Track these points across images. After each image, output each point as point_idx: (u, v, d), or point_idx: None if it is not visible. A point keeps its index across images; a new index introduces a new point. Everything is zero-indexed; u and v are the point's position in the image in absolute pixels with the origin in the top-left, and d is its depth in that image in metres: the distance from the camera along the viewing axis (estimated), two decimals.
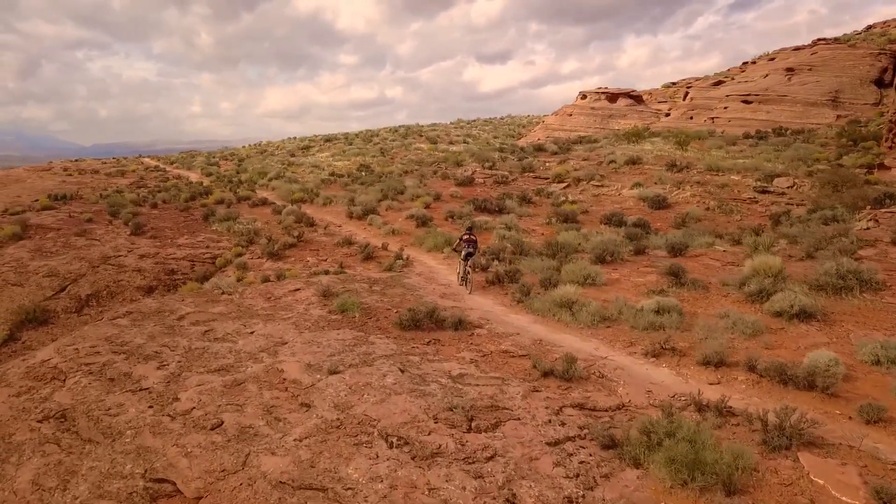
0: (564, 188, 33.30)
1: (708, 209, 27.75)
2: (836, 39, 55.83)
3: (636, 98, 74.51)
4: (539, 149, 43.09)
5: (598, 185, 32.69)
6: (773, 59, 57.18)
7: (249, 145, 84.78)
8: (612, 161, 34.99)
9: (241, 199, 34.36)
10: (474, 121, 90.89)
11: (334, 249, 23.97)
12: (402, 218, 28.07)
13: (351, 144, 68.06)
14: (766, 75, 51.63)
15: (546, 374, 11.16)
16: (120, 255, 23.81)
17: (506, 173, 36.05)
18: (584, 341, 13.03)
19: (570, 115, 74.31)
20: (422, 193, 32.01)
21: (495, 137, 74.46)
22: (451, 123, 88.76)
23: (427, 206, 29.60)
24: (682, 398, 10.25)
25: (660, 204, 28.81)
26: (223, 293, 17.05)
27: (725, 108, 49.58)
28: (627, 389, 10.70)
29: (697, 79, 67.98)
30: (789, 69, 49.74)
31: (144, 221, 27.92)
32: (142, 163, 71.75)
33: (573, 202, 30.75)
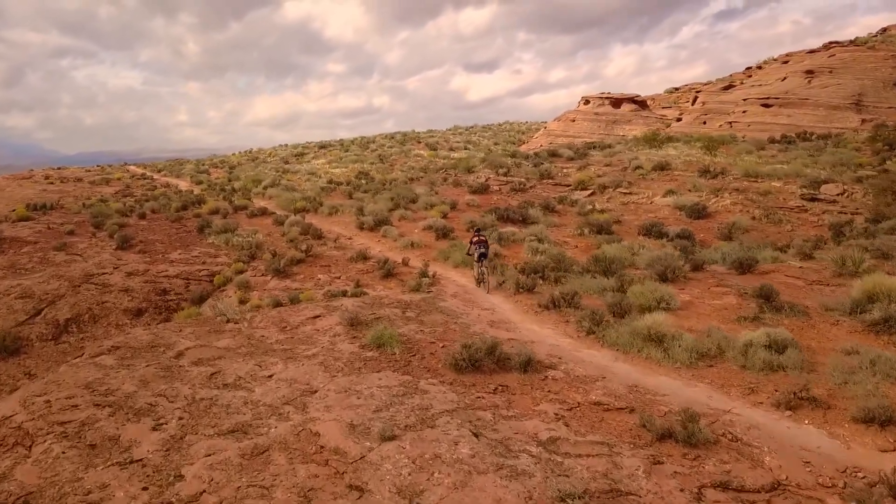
0: (589, 196, 30.85)
1: (754, 218, 25.35)
2: (851, 42, 54.00)
3: (640, 103, 72.46)
4: (553, 154, 40.66)
5: (625, 193, 30.25)
6: (786, 62, 55.24)
7: (240, 152, 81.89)
8: (638, 167, 32.59)
9: (237, 209, 31.59)
10: (472, 127, 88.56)
11: (348, 265, 21.30)
12: (419, 229, 25.46)
13: (347, 151, 65.44)
14: (784, 78, 49.61)
15: (662, 436, 8.60)
16: (104, 273, 21.00)
17: (522, 180, 33.56)
18: (689, 387, 10.45)
19: (574, 120, 72.10)
20: (436, 202, 29.42)
21: (496, 144, 72.10)
22: (449, 130, 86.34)
23: (444, 216, 27.01)
24: (861, 475, 7.70)
25: (699, 213, 26.39)
26: (228, 321, 14.35)
27: (744, 112, 47.47)
28: (777, 459, 8.14)
29: (706, 83, 66.07)
30: (809, 72, 47.73)
31: (132, 234, 25.11)
32: (127, 170, 68.71)
33: (601, 211, 28.28)
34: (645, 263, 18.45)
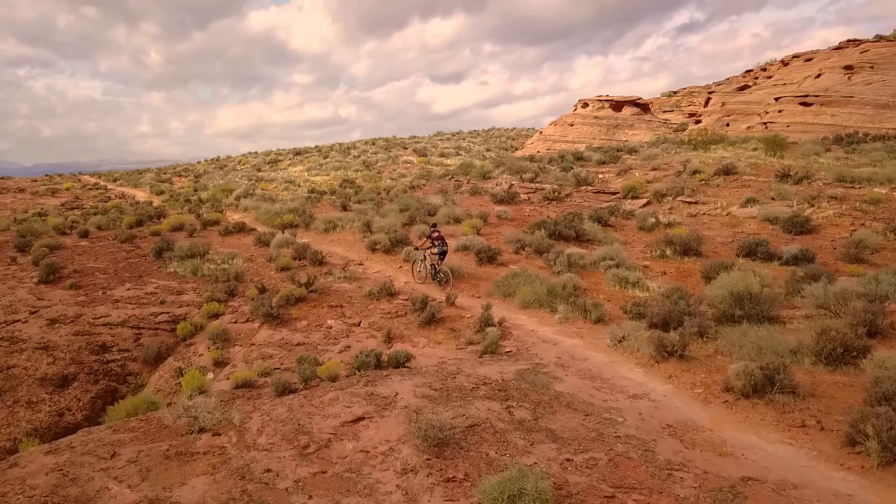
0: (645, 206, 25.16)
1: (876, 233, 19.87)
2: (881, 37, 49.66)
3: (642, 106, 67.54)
4: (578, 157, 34.99)
5: (690, 202, 24.65)
6: (810, 60, 50.74)
7: (206, 160, 74.78)
8: (696, 171, 27.02)
9: (207, 225, 25.11)
10: (458, 133, 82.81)
11: (367, 304, 15.16)
12: (451, 250, 19.41)
13: (327, 158, 59.02)
14: (819, 75, 44.91)
15: None
16: (16, 321, 14.52)
17: (555, 187, 27.75)
18: None
19: (572, 124, 66.81)
20: (461, 215, 23.40)
21: (488, 150, 66.43)
22: (434, 136, 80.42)
23: (478, 232, 21.02)
24: None
25: (800, 227, 20.85)
26: (201, 429, 8.13)
27: (780, 111, 42.52)
28: None
29: (719, 83, 61.43)
30: (848, 67, 43.09)
31: (64, 260, 18.58)
32: (79, 180, 61.33)
33: (669, 225, 22.59)
34: (816, 302, 12.72)
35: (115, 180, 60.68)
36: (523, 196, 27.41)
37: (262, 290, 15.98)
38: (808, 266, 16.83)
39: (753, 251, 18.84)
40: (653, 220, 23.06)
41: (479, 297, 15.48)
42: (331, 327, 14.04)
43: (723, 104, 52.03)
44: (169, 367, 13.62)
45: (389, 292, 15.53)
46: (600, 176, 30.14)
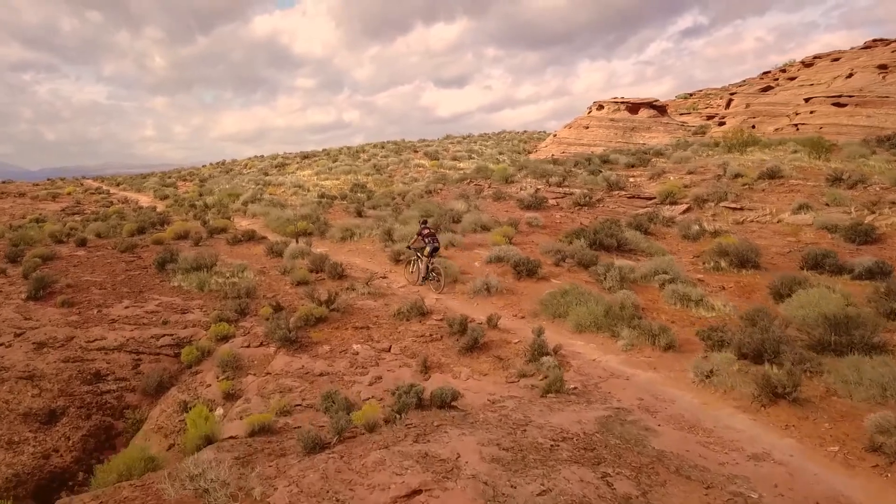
0: (685, 212, 23.32)
1: None
2: None
3: (659, 109, 65.64)
4: (605, 161, 33.14)
5: (735, 208, 22.79)
6: (837, 60, 48.88)
7: (211, 164, 73.16)
8: (738, 175, 25.16)
9: (214, 233, 23.31)
10: (468, 136, 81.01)
11: (396, 325, 13.35)
12: (481, 262, 17.62)
13: (335, 161, 57.30)
14: (851, 74, 43.00)
15: None
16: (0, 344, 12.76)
17: (585, 192, 25.92)
18: None
19: (587, 127, 64.96)
20: (489, 222, 21.59)
21: (500, 153, 64.63)
22: (444, 139, 78.66)
23: (510, 241, 19.21)
24: None
25: (865, 236, 18.99)
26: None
27: (811, 112, 40.59)
28: None
29: (740, 84, 59.54)
30: (882, 66, 41.20)
31: (58, 273, 16.82)
32: (81, 184, 59.77)
33: (715, 233, 20.75)
34: None
35: (118, 184, 59.09)
36: (551, 201, 25.57)
37: (278, 309, 14.17)
38: (887, 281, 14.98)
39: (819, 263, 16.96)
40: (696, 227, 21.21)
41: (523, 318, 13.66)
42: (357, 353, 12.22)
43: (747, 105, 50.13)
44: (172, 399, 11.81)
45: (420, 311, 13.70)
46: (631, 180, 28.30)
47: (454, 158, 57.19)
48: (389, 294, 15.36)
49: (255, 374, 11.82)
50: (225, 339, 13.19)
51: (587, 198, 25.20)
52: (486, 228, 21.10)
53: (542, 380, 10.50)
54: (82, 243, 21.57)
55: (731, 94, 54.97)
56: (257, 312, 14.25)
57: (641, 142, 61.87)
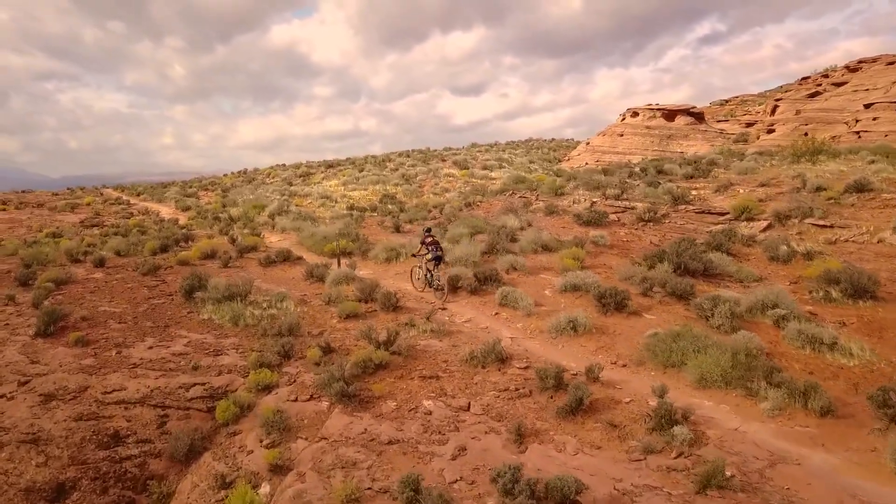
0: (766, 230, 20.85)
1: None
2: None
3: (696, 116, 63.02)
4: (660, 171, 30.70)
5: (823, 226, 20.30)
6: (893, 63, 46.01)
7: (232, 173, 71.53)
8: (820, 188, 22.66)
9: (243, 252, 21.23)
10: (494, 144, 78.78)
11: (471, 374, 11.08)
12: (553, 290, 15.33)
13: (362, 171, 55.29)
14: None
15: None
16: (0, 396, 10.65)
17: (646, 205, 23.54)
18: None
19: (622, 135, 62.47)
20: (550, 241, 19.28)
21: (531, 161, 62.31)
22: (471, 147, 76.42)
23: (581, 264, 16.90)
24: None
25: None
26: None
27: (874, 119, 37.93)
28: None
29: (786, 90, 56.70)
30: None
31: (72, 301, 14.79)
32: (101, 194, 58.29)
33: (808, 254, 18.28)
34: None
35: (138, 194, 57.52)
36: (612, 216, 23.22)
37: (328, 351, 11.97)
38: None
39: None
40: (785, 247, 18.75)
41: (625, 366, 11.34)
42: (430, 413, 9.96)
43: (797, 112, 47.41)
44: (206, 469, 9.61)
45: (499, 356, 11.43)
46: (694, 192, 25.86)
47: (484, 168, 54.96)
48: (455, 332, 13.09)
49: (306, 439, 9.61)
50: (267, 389, 11.00)
51: (652, 213, 22.82)
52: (547, 248, 18.80)
53: (675, 458, 8.20)
54: (100, 263, 19.58)
55: (777, 99, 52.21)
56: (303, 355, 12.05)
57: (679, 150, 59.39)
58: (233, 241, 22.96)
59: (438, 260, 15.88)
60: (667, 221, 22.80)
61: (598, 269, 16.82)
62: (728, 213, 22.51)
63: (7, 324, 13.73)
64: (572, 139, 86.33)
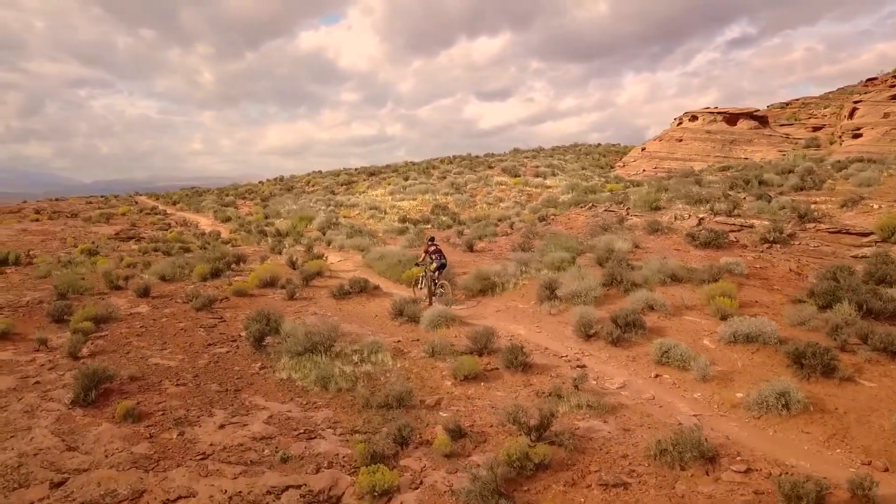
0: None
1: None
2: None
3: (760, 119, 59.04)
4: (761, 181, 27.18)
5: None
6: None
7: (268, 180, 69.16)
8: None
9: (308, 278, 18.28)
10: (538, 149, 75.38)
11: (668, 480, 7.89)
12: (714, 340, 12.06)
13: (407, 179, 52.39)
14: None
15: None
16: None
17: (768, 223, 20.16)
18: None
19: (680, 140, 58.72)
20: (678, 269, 15.98)
21: (583, 168, 58.91)
22: (515, 153, 73.13)
23: (739, 305, 13.61)
24: None
25: None
26: None
27: None
28: None
29: (865, 92, 52.56)
30: None
31: (116, 349, 11.96)
32: (136, 202, 56.14)
33: None
34: None
35: (174, 203, 55.25)
36: (731, 236, 19.89)
37: (458, 434, 8.90)
38: None
39: None
40: None
41: (886, 471, 8.06)
42: None
43: (885, 115, 43.44)
44: None
45: (699, 449, 8.23)
46: (812, 206, 22.37)
47: (537, 175, 51.71)
48: (617, 406, 9.90)
49: None
50: (386, 495, 7.94)
51: (777, 233, 19.43)
52: (676, 279, 15.54)
53: None
54: (145, 293, 16.79)
55: (856, 101, 48.21)
56: (424, 438, 8.99)
57: (742, 156, 55.61)
58: (292, 264, 20.04)
59: (442, 268, 16.06)
60: (796, 243, 19.39)
61: (751, 309, 13.54)
62: (872, 233, 19.04)
63: (38, 381, 10.91)
64: (619, 144, 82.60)
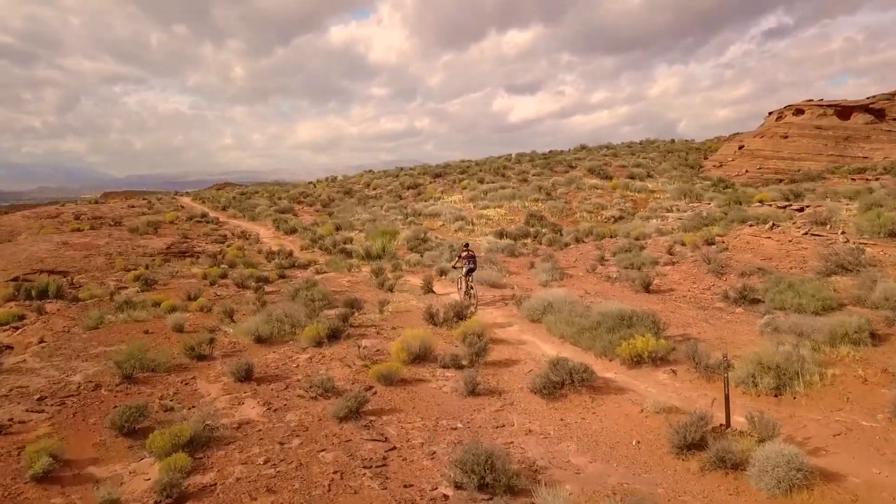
0: None
1: None
2: None
3: (876, 113, 52.20)
4: None
5: None
6: None
7: (321, 180, 64.00)
8: None
9: (477, 352, 12.67)
10: (607, 146, 69.06)
11: None
12: None
13: (483, 182, 46.73)
14: None
15: None
16: None
17: None
18: None
19: (786, 136, 52.09)
20: None
21: (674, 168, 52.67)
22: (579, 149, 67.08)
23: None
24: None
25: None
26: None
27: None
28: None
29: None
30: None
31: None
32: (181, 206, 51.29)
33: None
34: None
35: (223, 208, 50.23)
36: None
37: None
38: None
39: None
40: None
41: None
42: None
43: None
44: None
45: None
46: None
47: (630, 177, 45.70)
48: None
49: None
50: None
51: None
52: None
53: None
54: (246, 375, 11.38)
55: None
56: None
57: (860, 154, 48.89)
58: (432, 318, 14.49)
59: (471, 271, 17.29)
60: None
61: None
62: None
63: None
64: (693, 140, 75.79)
